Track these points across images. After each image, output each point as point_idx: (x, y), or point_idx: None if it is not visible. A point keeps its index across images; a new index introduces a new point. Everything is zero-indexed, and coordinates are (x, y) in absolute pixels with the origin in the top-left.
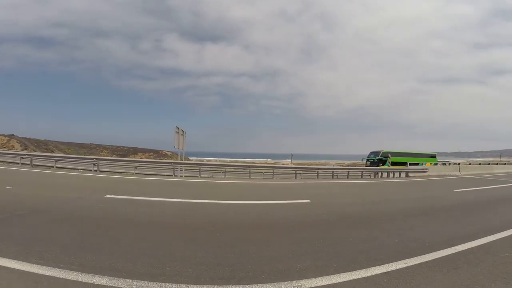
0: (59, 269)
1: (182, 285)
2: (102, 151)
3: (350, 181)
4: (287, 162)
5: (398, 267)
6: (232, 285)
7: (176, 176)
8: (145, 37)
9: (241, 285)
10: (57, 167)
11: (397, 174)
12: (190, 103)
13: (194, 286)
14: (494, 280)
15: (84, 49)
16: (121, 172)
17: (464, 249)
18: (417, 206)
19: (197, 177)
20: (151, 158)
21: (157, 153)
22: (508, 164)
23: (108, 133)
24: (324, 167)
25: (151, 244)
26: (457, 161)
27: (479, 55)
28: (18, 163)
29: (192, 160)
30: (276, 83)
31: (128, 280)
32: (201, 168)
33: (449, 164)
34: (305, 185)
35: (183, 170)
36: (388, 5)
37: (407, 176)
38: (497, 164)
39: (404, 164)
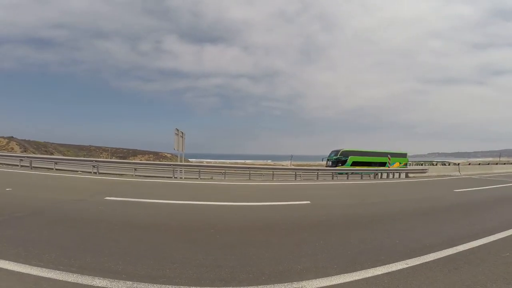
0: (59, 271)
1: (182, 287)
2: (101, 153)
3: (350, 182)
4: (287, 163)
5: (398, 268)
6: (233, 287)
7: (176, 178)
8: (144, 38)
9: (241, 287)
10: (56, 169)
11: (397, 175)
12: (190, 105)
13: None
14: (495, 280)
15: (84, 50)
16: (120, 174)
17: (465, 249)
18: (417, 207)
19: (197, 178)
20: (150, 160)
21: (156, 155)
22: (507, 164)
23: (107, 135)
24: (324, 168)
25: (151, 246)
26: (457, 161)
27: (479, 55)
28: (17, 165)
29: (191, 162)
30: (276, 84)
31: (128, 282)
32: (201, 170)
33: (449, 165)
34: (305, 186)
35: (183, 172)
36: (387, 5)
37: (407, 176)
38: (497, 164)
39: (368, 164)
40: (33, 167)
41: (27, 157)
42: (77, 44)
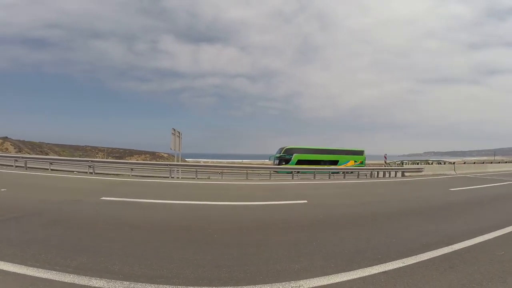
0: (55, 272)
1: (180, 287)
2: (97, 153)
3: (347, 181)
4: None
5: (395, 267)
6: (230, 286)
7: (173, 177)
8: (141, 38)
9: (239, 287)
10: (52, 170)
11: (393, 174)
12: (187, 105)
13: None
14: (491, 279)
15: (80, 51)
16: (117, 174)
17: (460, 247)
18: (413, 206)
19: (194, 178)
20: (147, 160)
21: (153, 155)
22: (502, 163)
23: (104, 135)
24: (321, 167)
25: (148, 246)
26: (452, 160)
27: (473, 55)
28: (12, 166)
29: (188, 162)
30: (273, 84)
31: (125, 283)
32: (198, 170)
33: (444, 164)
34: (302, 185)
35: (180, 171)
36: (383, 6)
37: (403, 175)
38: (491, 163)
39: (316, 163)
40: (28, 167)
41: (22, 157)
42: (73, 44)
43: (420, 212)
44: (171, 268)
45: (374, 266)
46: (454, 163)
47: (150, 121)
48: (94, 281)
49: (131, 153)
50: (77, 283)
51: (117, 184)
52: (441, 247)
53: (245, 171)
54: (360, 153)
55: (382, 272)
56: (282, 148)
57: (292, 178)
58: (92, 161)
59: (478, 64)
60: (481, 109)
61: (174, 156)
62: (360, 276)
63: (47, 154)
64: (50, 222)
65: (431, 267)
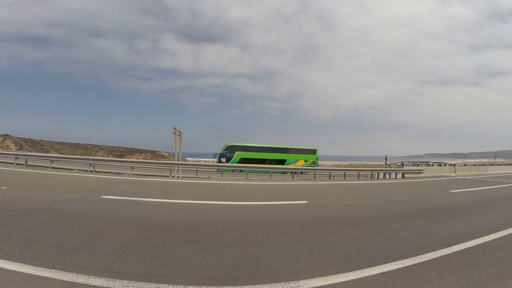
0: (55, 270)
1: (179, 286)
2: (98, 152)
3: (347, 182)
4: None
5: (394, 268)
6: (230, 286)
7: (173, 177)
8: (142, 37)
9: (239, 286)
10: (52, 168)
11: (393, 175)
12: (187, 104)
13: (191, 287)
14: (490, 281)
15: (80, 49)
16: (117, 173)
17: (460, 249)
18: (413, 207)
19: (194, 178)
20: (148, 159)
21: (154, 154)
22: (502, 165)
23: (104, 133)
24: (321, 168)
25: (147, 245)
26: (453, 162)
27: (475, 57)
28: (12, 163)
29: (189, 161)
30: (273, 84)
31: (124, 281)
32: (198, 169)
33: (445, 165)
34: (302, 186)
35: (180, 171)
36: (384, 6)
37: (403, 177)
38: (492, 165)
39: (261, 162)
40: (29, 165)
41: (23, 155)
42: (74, 42)
43: (420, 214)
44: (171, 267)
45: (373, 267)
46: (454, 165)
47: (151, 120)
48: (93, 280)
49: (131, 151)
50: (76, 281)
51: (118, 183)
52: (441, 249)
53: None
54: (312, 152)
55: (381, 273)
56: (232, 146)
57: (292, 178)
58: (92, 159)
59: (479, 65)
60: (482, 111)
61: (174, 155)
62: (359, 277)
63: (48, 152)
64: (50, 221)
65: (431, 268)
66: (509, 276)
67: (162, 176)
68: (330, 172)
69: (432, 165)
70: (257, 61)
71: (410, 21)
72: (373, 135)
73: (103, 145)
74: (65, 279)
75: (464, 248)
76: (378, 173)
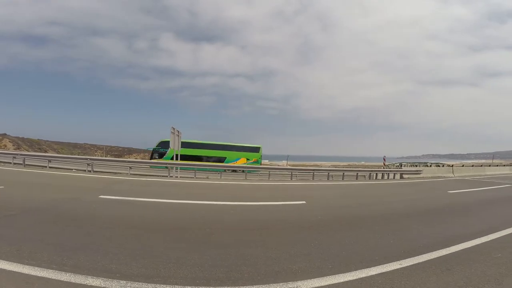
0: (52, 270)
1: (177, 286)
2: (96, 151)
3: (345, 182)
4: (283, 163)
5: (392, 268)
6: (228, 286)
7: (172, 176)
8: (141, 36)
9: (237, 287)
10: (50, 167)
11: (391, 176)
12: (186, 103)
13: (189, 287)
14: (488, 281)
15: (80, 48)
16: (115, 173)
17: (457, 250)
18: (411, 208)
19: (193, 178)
20: (146, 159)
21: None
22: (500, 166)
23: (102, 133)
24: (320, 168)
25: (145, 245)
26: (451, 163)
27: (474, 57)
28: (10, 163)
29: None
30: (272, 84)
31: (122, 282)
32: (197, 169)
33: (443, 166)
34: (301, 186)
35: (179, 170)
36: (385, 6)
37: (401, 177)
38: (490, 166)
39: (198, 159)
40: (26, 164)
41: (21, 154)
42: (73, 41)
43: (418, 214)
44: (169, 267)
45: (371, 268)
46: (452, 165)
47: (150, 119)
48: (90, 280)
49: (130, 151)
50: (74, 281)
51: (116, 183)
52: (439, 249)
53: (244, 171)
54: (255, 150)
55: (380, 273)
56: (165, 142)
57: (291, 178)
58: (90, 159)
59: (478, 66)
60: (481, 112)
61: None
62: (357, 277)
63: (45, 151)
64: (47, 220)
65: (429, 269)
66: (506, 277)
67: (160, 176)
68: (328, 173)
69: (430, 165)
70: (256, 61)
71: (410, 22)
72: (371, 136)
73: (101, 145)
74: (62, 279)
75: (462, 248)
76: (376, 174)
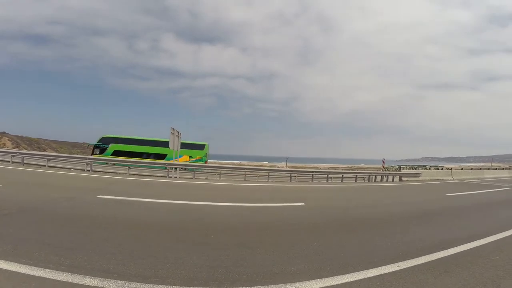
0: (49, 270)
1: (175, 287)
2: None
3: (344, 184)
4: (282, 165)
5: (390, 270)
6: (226, 287)
7: (171, 177)
8: (142, 37)
9: None
10: (49, 166)
11: (390, 178)
12: (186, 104)
13: None
14: (485, 283)
15: (81, 48)
16: (114, 173)
17: (455, 252)
18: (410, 210)
19: (192, 178)
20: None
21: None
22: (499, 169)
23: (102, 132)
24: (319, 170)
25: (143, 245)
26: (450, 166)
27: (473, 61)
28: (9, 162)
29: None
30: (272, 86)
31: (119, 282)
32: (196, 170)
33: (442, 169)
34: (300, 188)
35: (178, 171)
36: (385, 10)
37: (400, 180)
38: (489, 169)
39: (138, 155)
40: (25, 163)
41: (19, 153)
42: (74, 41)
43: (416, 216)
44: (167, 268)
45: (369, 270)
46: (451, 168)
47: (149, 119)
48: (88, 280)
49: None
50: (71, 281)
51: (114, 183)
52: (437, 251)
53: (243, 173)
54: (200, 147)
55: (378, 275)
56: (106, 138)
57: (290, 180)
58: (89, 158)
59: (478, 70)
60: (480, 116)
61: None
62: (355, 279)
63: (44, 150)
64: (45, 220)
65: (427, 271)
66: (504, 279)
67: (159, 176)
68: (327, 175)
69: (429, 168)
70: (256, 63)
71: (410, 25)
72: (371, 138)
73: None
74: (59, 278)
75: (460, 251)
76: (375, 176)
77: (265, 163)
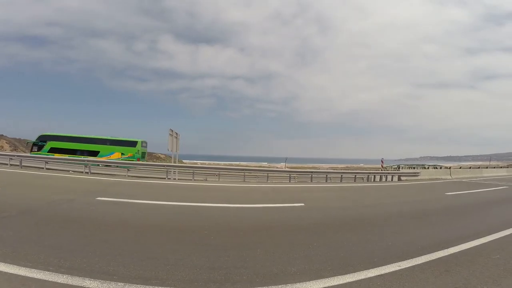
0: (48, 272)
1: None
2: None
3: (343, 184)
4: (281, 166)
5: (391, 270)
6: None
7: (170, 179)
8: (140, 38)
9: None
10: (47, 169)
11: (389, 178)
12: (184, 105)
13: None
14: (486, 282)
15: (78, 49)
16: (113, 175)
17: (456, 251)
18: (409, 209)
19: (191, 180)
20: (144, 161)
21: (150, 156)
22: (497, 168)
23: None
24: (318, 170)
25: (143, 247)
26: (448, 165)
27: (471, 60)
28: (7, 164)
29: (185, 163)
30: (271, 87)
31: (119, 284)
32: (195, 171)
33: (440, 168)
34: (299, 188)
35: (177, 173)
36: (382, 9)
37: (399, 179)
38: (487, 168)
39: (73, 152)
40: (23, 166)
41: (17, 155)
42: (71, 42)
43: (416, 216)
44: (167, 269)
45: (370, 270)
46: (450, 167)
47: (148, 121)
48: (87, 282)
49: None
50: (71, 283)
51: (113, 185)
52: (437, 251)
53: (242, 173)
54: (132, 144)
55: (378, 275)
56: (44, 136)
57: (289, 181)
58: (88, 161)
59: (475, 69)
60: (477, 115)
61: (171, 157)
62: (356, 279)
63: None
64: (44, 222)
65: (427, 271)
66: (505, 278)
67: (158, 178)
68: (327, 175)
69: (428, 167)
70: (255, 63)
71: (408, 25)
72: (369, 138)
73: None
74: (59, 281)
75: (460, 250)
76: (374, 176)
77: (264, 163)
